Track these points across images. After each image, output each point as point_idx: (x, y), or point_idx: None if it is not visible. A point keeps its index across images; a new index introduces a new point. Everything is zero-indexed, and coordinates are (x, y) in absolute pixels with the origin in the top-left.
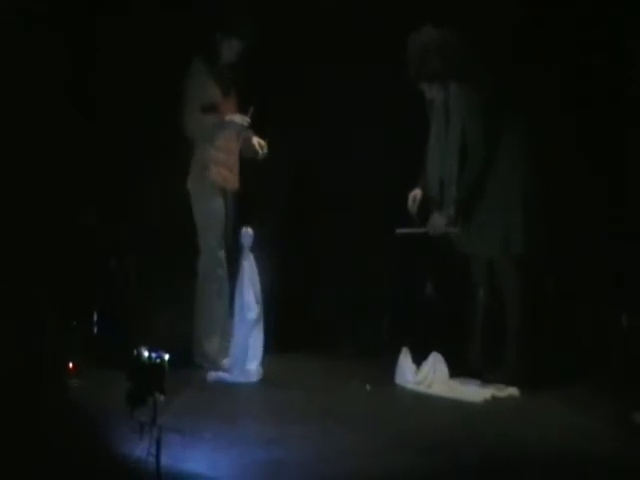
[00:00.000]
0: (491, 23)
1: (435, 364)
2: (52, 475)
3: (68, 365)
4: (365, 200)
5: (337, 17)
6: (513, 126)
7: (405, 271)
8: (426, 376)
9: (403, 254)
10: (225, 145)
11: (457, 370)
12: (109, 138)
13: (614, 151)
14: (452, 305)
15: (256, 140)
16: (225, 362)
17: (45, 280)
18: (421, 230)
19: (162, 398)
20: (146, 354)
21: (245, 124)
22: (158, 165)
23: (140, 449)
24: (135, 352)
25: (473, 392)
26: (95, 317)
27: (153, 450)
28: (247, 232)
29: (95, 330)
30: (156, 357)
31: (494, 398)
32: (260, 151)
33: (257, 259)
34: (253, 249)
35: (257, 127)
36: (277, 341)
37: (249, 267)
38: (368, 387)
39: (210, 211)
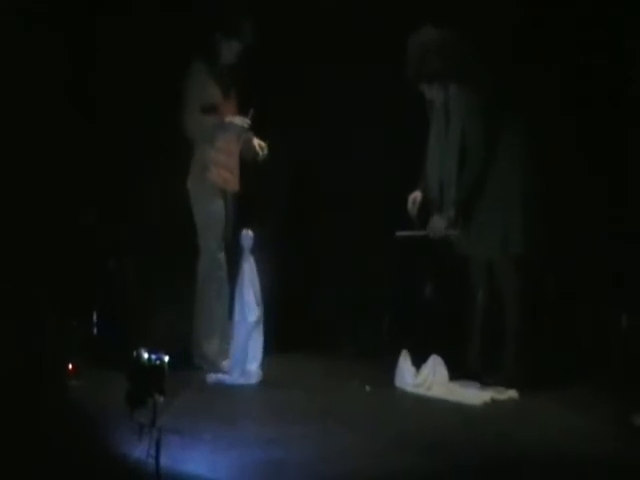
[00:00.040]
0: (491, 23)
1: (435, 367)
2: (52, 476)
3: (68, 366)
4: (365, 200)
5: (337, 17)
6: (513, 126)
7: (405, 271)
8: (426, 379)
9: (403, 254)
10: (225, 146)
11: (457, 373)
12: (109, 138)
13: (614, 151)
14: (452, 305)
15: (256, 142)
16: (225, 364)
17: (45, 280)
18: (421, 233)
19: (162, 399)
20: (146, 356)
21: (245, 126)
22: (158, 165)
23: (139, 450)
24: (135, 353)
25: (472, 395)
26: (95, 318)
27: (152, 451)
28: (247, 234)
29: (95, 331)
30: (156, 359)
31: (493, 401)
32: (260, 153)
33: (257, 261)
34: (253, 251)
35: (257, 128)
36: (277, 341)
37: (249, 269)
38: (367, 388)
39: (210, 212)
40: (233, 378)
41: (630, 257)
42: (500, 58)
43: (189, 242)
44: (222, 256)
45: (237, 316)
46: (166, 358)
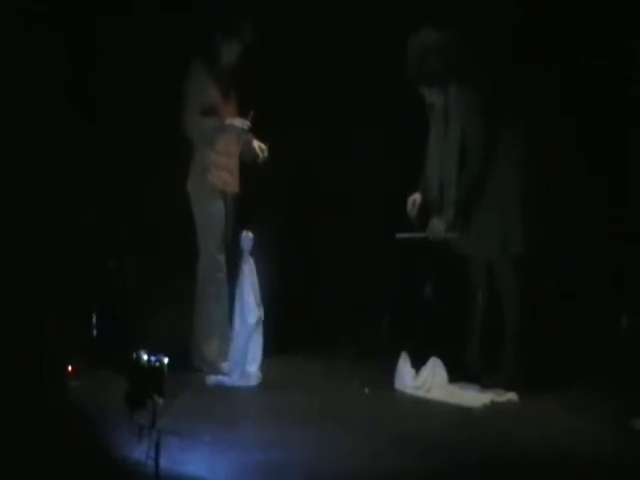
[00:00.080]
0: (491, 23)
1: (434, 369)
2: (51, 477)
3: (68, 367)
4: (365, 200)
5: (337, 17)
6: (513, 126)
7: (405, 271)
8: (425, 381)
9: (403, 254)
10: (225, 148)
11: (456, 375)
12: (109, 138)
13: (614, 151)
14: (452, 306)
15: (256, 143)
16: (224, 366)
17: (45, 280)
18: (420, 235)
19: (161, 401)
20: (145, 357)
21: (245, 127)
22: (158, 165)
23: (139, 452)
24: (134, 355)
25: (472, 397)
26: (94, 318)
27: (152, 453)
28: (247, 236)
29: (95, 332)
30: (155, 360)
31: (493, 403)
32: (260, 154)
33: (257, 262)
34: (253, 253)
35: (257, 130)
36: (277, 341)
37: (249, 271)
38: (367, 390)
39: (210, 214)
40: (233, 380)
41: (630, 257)
42: (500, 58)
43: (189, 242)
44: (222, 258)
45: (237, 318)
46: (166, 360)
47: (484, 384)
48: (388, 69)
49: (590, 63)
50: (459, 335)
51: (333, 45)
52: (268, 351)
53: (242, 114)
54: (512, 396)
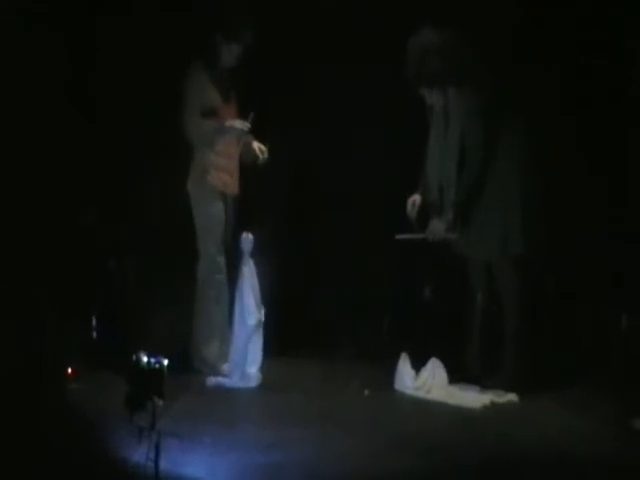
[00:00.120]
0: (491, 23)
1: (434, 370)
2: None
3: (67, 370)
4: (365, 200)
5: (337, 17)
6: (513, 126)
7: (405, 271)
8: (425, 382)
9: (403, 255)
10: (225, 150)
11: (456, 376)
12: (109, 138)
13: (614, 151)
14: (452, 306)
15: (256, 145)
16: (224, 367)
17: (45, 280)
18: (420, 236)
19: (161, 403)
20: (145, 359)
21: (245, 129)
22: (158, 165)
23: (139, 454)
24: (134, 357)
25: (472, 398)
26: (94, 320)
27: (152, 455)
28: (247, 238)
29: (94, 334)
30: (155, 362)
31: (493, 404)
32: (260, 156)
33: (257, 263)
34: (253, 254)
35: (257, 131)
36: (277, 341)
37: (249, 273)
38: (366, 392)
39: (210, 215)
40: (233, 381)
41: (630, 257)
42: (500, 58)
43: (189, 242)
44: (222, 259)
45: (237, 319)
46: (165, 361)
47: (484, 385)
48: (388, 69)
49: (590, 63)
50: (459, 335)
51: (333, 45)
52: (268, 352)
53: (242, 115)
54: (512, 397)
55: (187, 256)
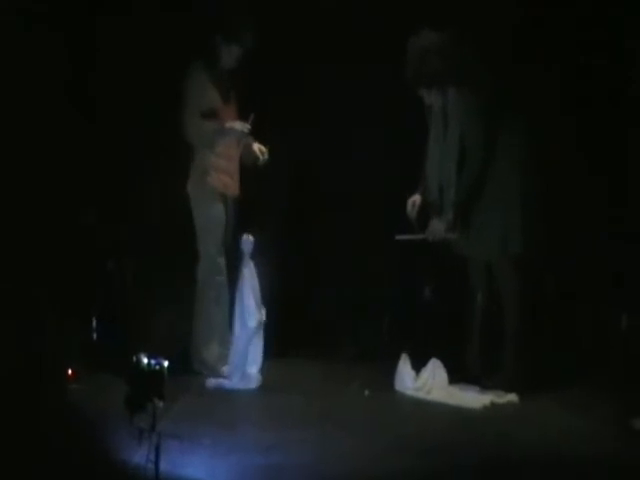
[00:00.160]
0: (491, 23)
1: (434, 370)
2: None
3: (68, 371)
4: (365, 200)
5: (337, 17)
6: (513, 126)
7: (405, 271)
8: (425, 382)
9: (403, 254)
10: (225, 151)
11: (456, 376)
12: (109, 138)
13: (614, 151)
14: (452, 306)
15: (257, 146)
16: (224, 369)
17: (45, 280)
18: (420, 236)
19: (161, 404)
20: (145, 360)
21: (245, 131)
22: (158, 165)
23: (139, 455)
24: (134, 358)
25: (472, 398)
26: (94, 321)
27: (152, 456)
28: (248, 239)
29: (94, 335)
30: (155, 364)
31: (493, 404)
32: (261, 157)
33: (257, 265)
34: (253, 256)
35: (258, 132)
36: (277, 342)
37: (249, 274)
38: (367, 392)
39: (210, 217)
40: (233, 383)
41: (630, 257)
42: (500, 58)
43: (189, 243)
44: (222, 261)
45: (237, 321)
46: (166, 363)
47: (484, 385)
48: (388, 69)
49: (590, 63)
50: (459, 335)
51: (333, 45)
52: (268, 352)
53: (242, 116)
54: (512, 397)
55: (187, 256)
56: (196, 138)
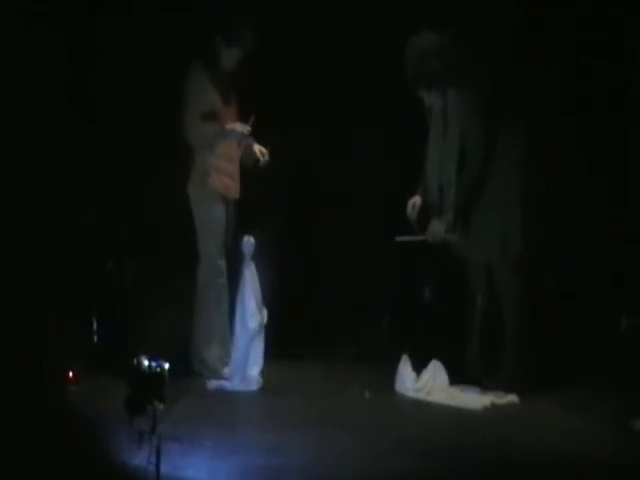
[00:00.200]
0: (491, 23)
1: (435, 372)
2: None
3: (68, 373)
4: (365, 200)
5: (337, 17)
6: (513, 126)
7: (405, 271)
8: (426, 384)
9: (403, 255)
10: (226, 153)
11: (457, 378)
12: (109, 138)
13: (614, 151)
14: (452, 306)
15: (257, 148)
16: (225, 370)
17: (45, 280)
18: (420, 237)
19: (161, 406)
20: (146, 363)
21: (246, 132)
22: (158, 166)
23: (140, 457)
24: (135, 361)
25: (473, 399)
26: (95, 322)
27: (153, 458)
28: (249, 241)
29: (95, 336)
30: (156, 366)
31: (493, 405)
32: (261, 159)
33: (258, 266)
34: (254, 257)
35: (258, 133)
36: (277, 342)
37: (250, 276)
38: (367, 394)
39: (211, 218)
40: (233, 384)
41: (630, 257)
42: (500, 58)
43: (189, 243)
44: (222, 262)
45: (238, 322)
46: (166, 365)
47: (484, 386)
48: (388, 69)
49: (590, 63)
50: (459, 336)
51: (333, 45)
52: (268, 353)
53: (243, 118)
54: (513, 398)
55: (187, 257)
56: (196, 140)
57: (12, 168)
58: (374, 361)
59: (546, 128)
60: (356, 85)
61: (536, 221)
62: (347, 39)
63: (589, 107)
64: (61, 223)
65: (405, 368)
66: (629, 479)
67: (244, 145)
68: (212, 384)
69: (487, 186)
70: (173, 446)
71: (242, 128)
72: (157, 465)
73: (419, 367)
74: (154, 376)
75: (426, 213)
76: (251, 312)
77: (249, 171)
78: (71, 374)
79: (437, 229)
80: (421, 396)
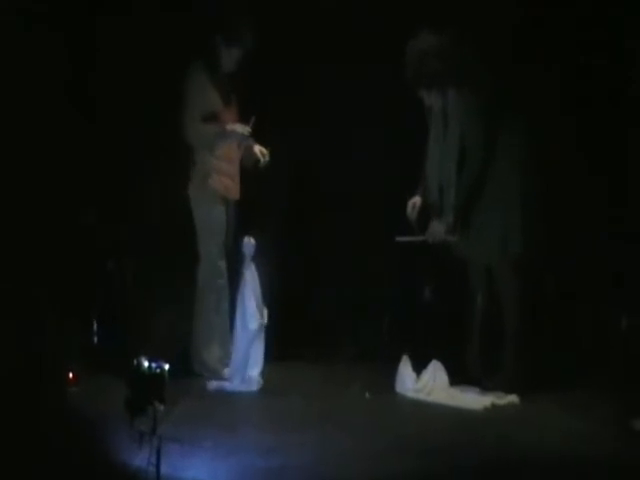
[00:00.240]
0: (491, 23)
1: (435, 372)
2: None
3: (68, 374)
4: (365, 200)
5: (337, 17)
6: (513, 126)
7: (405, 271)
8: (426, 384)
9: (403, 255)
10: (226, 154)
11: (457, 378)
12: (109, 138)
13: (614, 151)
14: (452, 306)
15: (258, 148)
16: (225, 371)
17: (45, 280)
18: (420, 238)
19: (162, 407)
20: (146, 364)
21: (246, 133)
22: (158, 166)
23: (140, 458)
24: (135, 361)
25: (473, 400)
26: (95, 323)
27: (153, 459)
28: (249, 242)
29: (95, 337)
30: (156, 367)
31: (493, 406)
32: (262, 159)
33: (258, 266)
34: (254, 258)
35: (258, 134)
36: (277, 342)
37: (251, 277)
38: (367, 395)
39: (211, 219)
40: (233, 385)
41: (630, 257)
42: (500, 58)
43: (189, 243)
44: (223, 264)
45: (238, 323)
46: (166, 366)
47: (484, 386)
48: (388, 69)
49: (590, 63)
50: (459, 336)
51: (333, 45)
52: (268, 353)
53: (243, 118)
54: (513, 398)
55: (187, 257)
56: (197, 141)
57: (12, 168)
58: (374, 361)
59: (546, 128)
60: (356, 85)
61: (536, 221)
62: (347, 39)
63: (589, 107)
64: (61, 223)
65: (405, 368)
66: (629, 479)
67: (244, 146)
68: (212, 385)
69: (487, 186)
70: (173, 447)
71: (242, 129)
72: (157, 466)
73: (419, 367)
74: (154, 377)
75: (426, 213)
76: (251, 313)
77: (249, 172)
78: (71, 374)
79: (437, 229)
80: (421, 396)
